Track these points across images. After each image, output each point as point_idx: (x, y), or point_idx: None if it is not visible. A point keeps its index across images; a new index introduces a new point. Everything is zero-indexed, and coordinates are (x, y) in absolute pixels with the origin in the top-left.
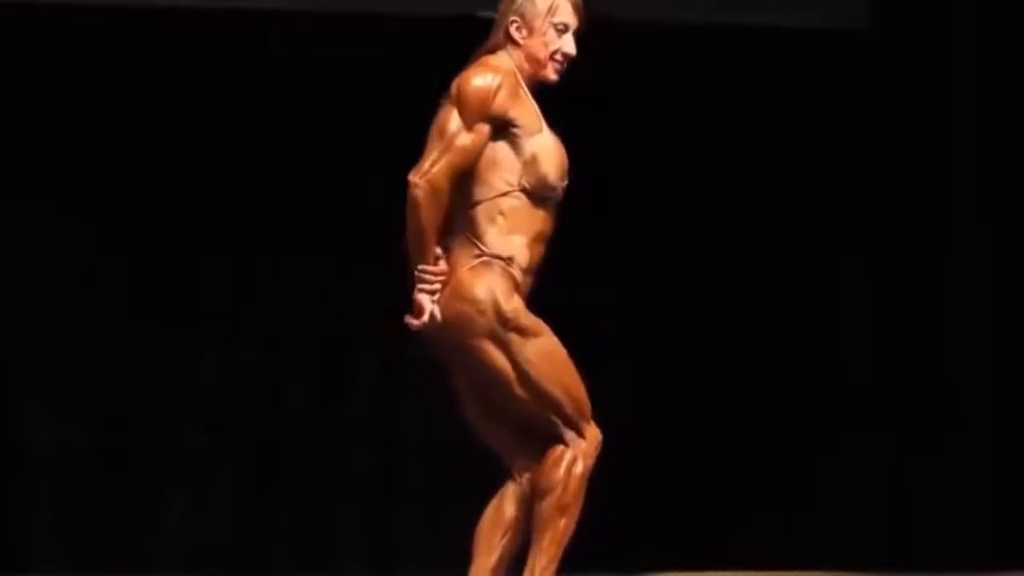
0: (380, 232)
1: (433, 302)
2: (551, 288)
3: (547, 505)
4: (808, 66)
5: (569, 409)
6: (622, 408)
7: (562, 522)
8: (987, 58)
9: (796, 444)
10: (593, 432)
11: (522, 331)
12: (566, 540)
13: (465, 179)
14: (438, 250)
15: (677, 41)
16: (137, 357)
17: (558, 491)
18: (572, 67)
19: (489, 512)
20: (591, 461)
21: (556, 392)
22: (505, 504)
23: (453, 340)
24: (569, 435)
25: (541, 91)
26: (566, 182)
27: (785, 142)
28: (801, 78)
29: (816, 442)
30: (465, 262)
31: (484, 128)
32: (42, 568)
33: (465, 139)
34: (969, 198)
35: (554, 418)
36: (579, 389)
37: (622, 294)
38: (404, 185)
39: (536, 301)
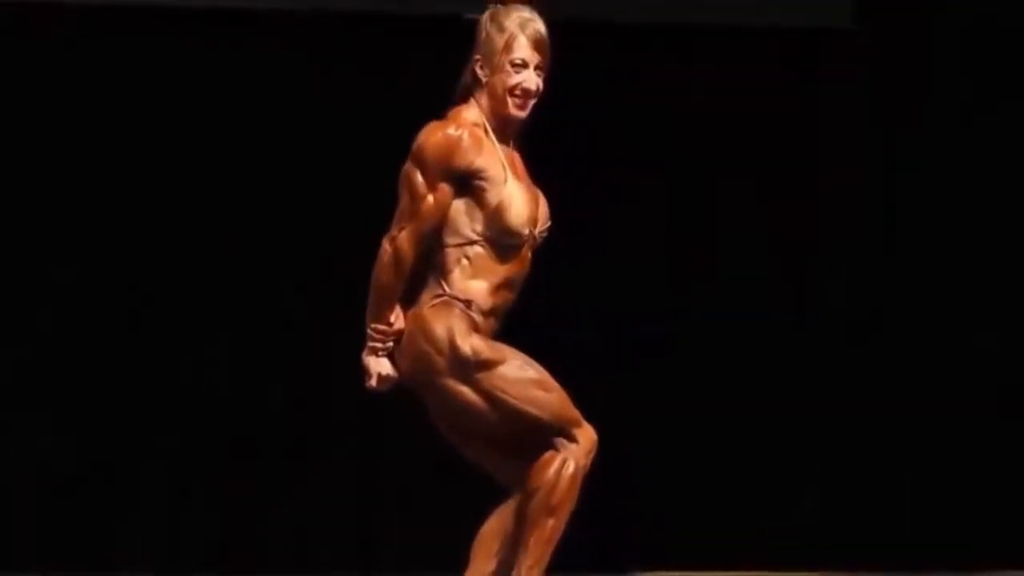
0: (368, 232)
1: (381, 355)
2: (543, 289)
3: (535, 505)
4: (792, 65)
5: (551, 422)
6: (614, 409)
7: (550, 522)
8: (971, 57)
9: (786, 444)
10: (586, 433)
11: (485, 365)
12: (555, 541)
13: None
14: (395, 312)
15: (659, 40)
16: (116, 358)
17: (545, 491)
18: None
19: (491, 522)
20: (584, 462)
21: (533, 411)
22: (507, 516)
23: (418, 379)
24: (559, 441)
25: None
26: (541, 229)
27: (770, 141)
28: (785, 77)
29: (805, 443)
30: (427, 299)
31: (446, 187)
32: (23, 568)
33: (429, 203)
34: (954, 197)
35: (539, 434)
36: (557, 400)
37: (612, 295)
38: (394, 186)
39: (529, 305)
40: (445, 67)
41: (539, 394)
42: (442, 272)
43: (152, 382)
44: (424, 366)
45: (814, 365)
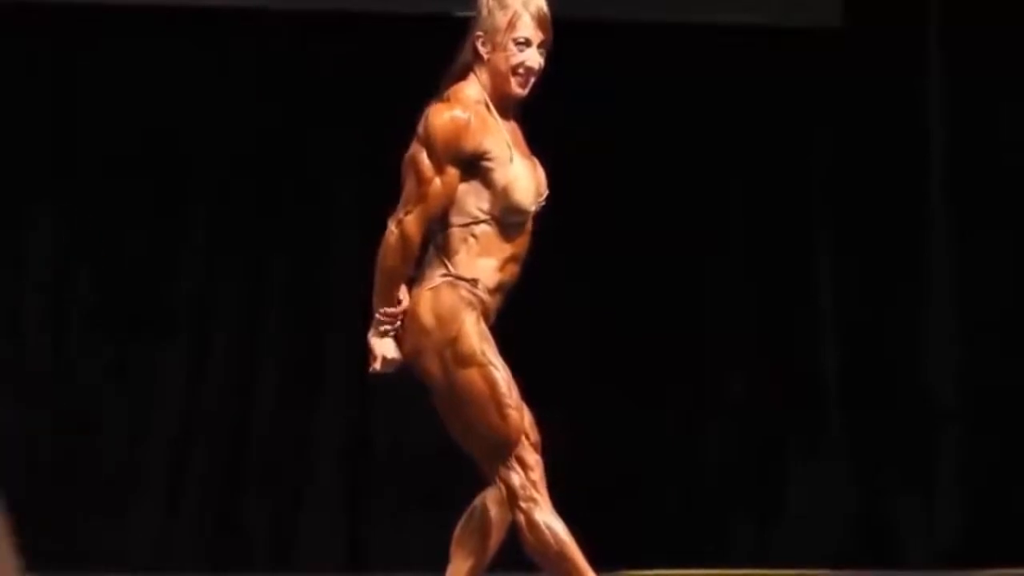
0: (356, 233)
1: (388, 337)
2: (536, 286)
3: (537, 560)
4: (781, 64)
5: (492, 447)
6: (602, 410)
7: (559, 568)
8: (959, 56)
9: (773, 442)
10: (511, 478)
11: (458, 357)
12: (578, 564)
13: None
14: (402, 291)
15: (650, 39)
16: (106, 359)
17: (532, 552)
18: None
19: (466, 516)
20: (513, 513)
21: (475, 426)
22: (482, 508)
23: (410, 357)
24: (491, 473)
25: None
26: (541, 199)
27: (758, 140)
28: (774, 76)
29: (792, 441)
30: (429, 281)
31: (453, 170)
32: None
33: (437, 186)
34: (941, 195)
35: (476, 452)
36: (500, 431)
37: (600, 294)
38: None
39: (522, 303)
40: (440, 65)
41: (485, 416)
42: (447, 252)
43: (139, 381)
44: (415, 344)
45: (792, 363)
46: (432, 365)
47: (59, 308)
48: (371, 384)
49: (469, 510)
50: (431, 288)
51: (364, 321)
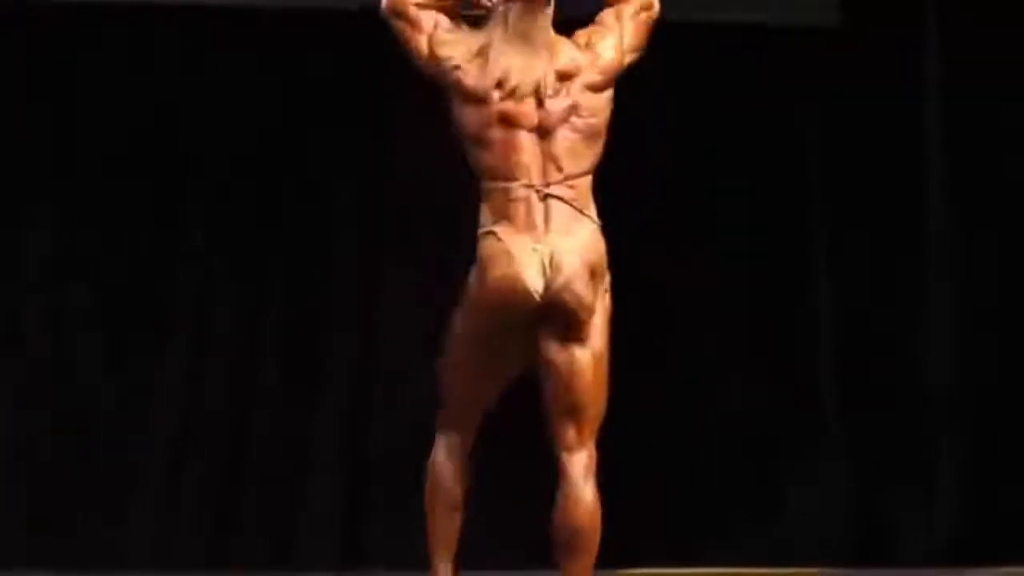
0: (356, 233)
1: None
2: None
3: (581, 541)
4: (778, 63)
5: (595, 419)
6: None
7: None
8: (958, 56)
9: (773, 442)
10: (595, 452)
11: (607, 313)
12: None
13: (588, 146)
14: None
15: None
16: (106, 359)
17: (584, 521)
18: None
19: (450, 483)
20: (592, 478)
21: (601, 389)
22: (462, 475)
23: (580, 272)
24: (590, 440)
25: None
26: None
27: (755, 139)
28: (771, 75)
29: (792, 441)
30: (588, 226)
31: None
32: (12, 566)
33: None
34: (941, 195)
35: (592, 413)
36: (604, 406)
37: None
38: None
39: None
40: None
41: (605, 390)
42: (584, 201)
43: (137, 381)
44: (599, 278)
45: (808, 360)
46: (593, 301)
47: (59, 308)
48: (371, 384)
49: (448, 476)
50: (594, 232)
51: (364, 321)
